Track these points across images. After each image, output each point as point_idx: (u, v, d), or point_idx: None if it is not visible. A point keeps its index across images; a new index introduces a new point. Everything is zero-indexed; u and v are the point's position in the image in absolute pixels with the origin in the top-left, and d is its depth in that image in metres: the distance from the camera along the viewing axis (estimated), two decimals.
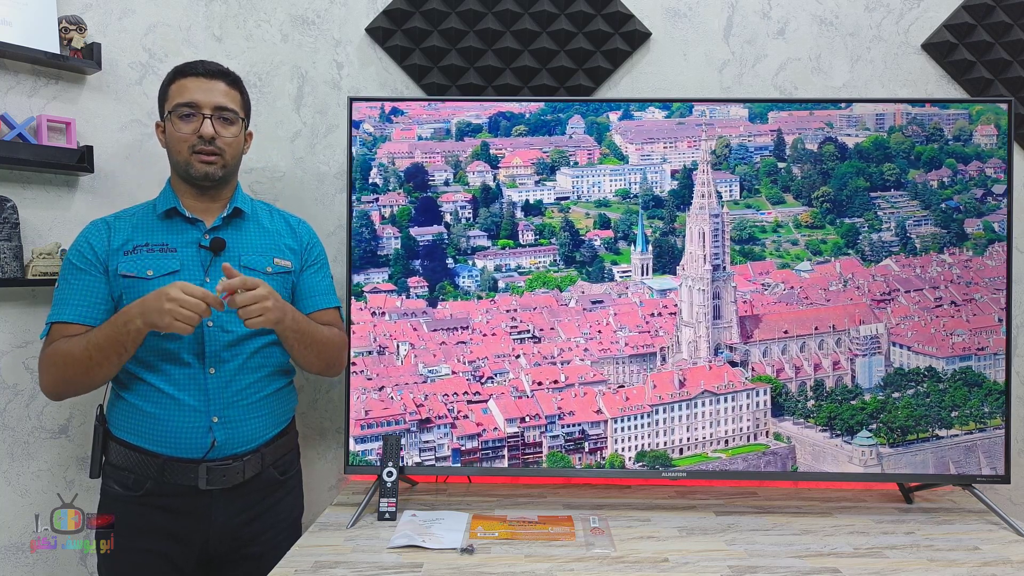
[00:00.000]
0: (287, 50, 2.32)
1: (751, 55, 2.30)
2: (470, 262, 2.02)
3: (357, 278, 2.01)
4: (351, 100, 2.03)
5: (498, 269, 2.02)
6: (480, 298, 2.02)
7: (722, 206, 2.00)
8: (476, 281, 2.01)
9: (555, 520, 1.83)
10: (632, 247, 2.02)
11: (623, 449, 1.99)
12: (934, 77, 2.29)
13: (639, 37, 2.29)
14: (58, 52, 1.92)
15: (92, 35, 2.03)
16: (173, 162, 1.73)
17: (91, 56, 1.98)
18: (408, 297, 2.01)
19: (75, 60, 1.95)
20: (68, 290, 1.66)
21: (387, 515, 1.82)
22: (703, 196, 1.99)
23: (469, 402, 2.00)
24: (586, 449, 2.00)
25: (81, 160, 1.95)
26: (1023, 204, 2.21)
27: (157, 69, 2.17)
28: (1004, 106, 1.99)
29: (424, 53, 2.28)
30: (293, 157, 2.33)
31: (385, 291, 2.01)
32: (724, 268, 2.00)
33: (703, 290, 1.99)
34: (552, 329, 2.01)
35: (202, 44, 2.28)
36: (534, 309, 2.01)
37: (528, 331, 2.00)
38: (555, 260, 2.02)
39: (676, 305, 2.02)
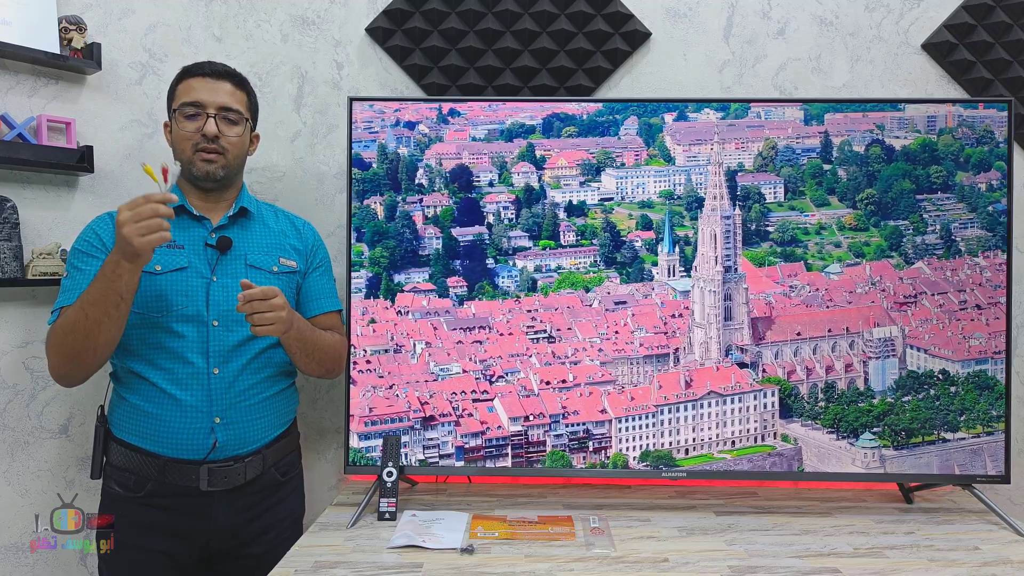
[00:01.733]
0: (287, 50, 2.32)
1: (751, 55, 2.31)
2: (510, 262, 2.02)
3: (398, 277, 2.01)
4: (351, 100, 2.03)
5: (538, 269, 2.01)
6: (516, 298, 2.01)
7: (735, 208, 1.99)
8: (516, 281, 2.01)
9: (555, 520, 1.83)
10: (659, 247, 2.01)
11: (627, 449, 1.99)
12: (934, 77, 2.29)
13: (639, 37, 2.28)
14: (58, 52, 1.92)
15: (92, 35, 2.03)
16: (178, 161, 1.73)
17: (91, 56, 1.97)
18: (445, 296, 2.01)
19: (75, 60, 1.95)
20: (78, 276, 1.62)
21: (387, 515, 1.82)
22: (715, 198, 1.99)
23: (475, 400, 2.00)
24: (590, 448, 1.99)
25: (81, 160, 1.95)
26: (1023, 204, 2.21)
27: (157, 69, 2.17)
28: (1004, 106, 1.99)
29: (424, 53, 2.28)
30: (293, 157, 2.33)
31: (425, 291, 2.01)
32: (735, 270, 2.00)
33: (714, 291, 1.99)
34: (569, 329, 2.01)
35: (202, 44, 2.28)
36: (555, 310, 2.01)
37: (544, 331, 2.00)
38: (595, 261, 2.02)
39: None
